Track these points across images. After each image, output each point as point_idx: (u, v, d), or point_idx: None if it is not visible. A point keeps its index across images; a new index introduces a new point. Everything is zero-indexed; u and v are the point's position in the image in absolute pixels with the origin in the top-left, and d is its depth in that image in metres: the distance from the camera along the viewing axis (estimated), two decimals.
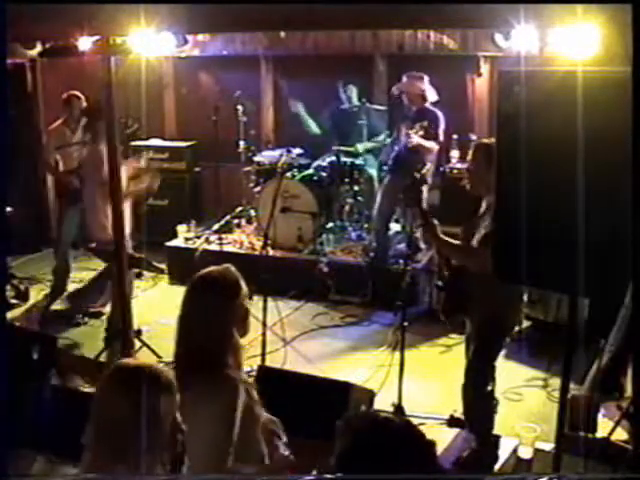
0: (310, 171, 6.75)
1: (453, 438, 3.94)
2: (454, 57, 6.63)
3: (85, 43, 4.49)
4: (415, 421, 4.01)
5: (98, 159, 4.83)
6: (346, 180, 6.59)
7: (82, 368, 4.56)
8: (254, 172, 7.02)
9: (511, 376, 4.62)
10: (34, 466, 2.22)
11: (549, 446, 3.54)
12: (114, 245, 4.38)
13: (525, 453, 3.69)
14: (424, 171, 5.62)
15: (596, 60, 2.96)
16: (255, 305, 5.67)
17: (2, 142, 4.18)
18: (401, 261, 5.64)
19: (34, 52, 6.98)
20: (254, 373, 3.75)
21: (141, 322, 5.31)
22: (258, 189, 6.87)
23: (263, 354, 4.11)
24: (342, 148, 6.65)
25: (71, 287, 6.34)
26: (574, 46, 3.21)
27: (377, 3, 3.28)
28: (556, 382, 4.16)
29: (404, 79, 5.99)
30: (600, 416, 3.68)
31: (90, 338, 5.31)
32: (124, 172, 4.77)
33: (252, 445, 2.48)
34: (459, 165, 6.19)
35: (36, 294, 6.35)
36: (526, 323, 5.15)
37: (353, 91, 6.70)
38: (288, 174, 6.46)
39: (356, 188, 6.63)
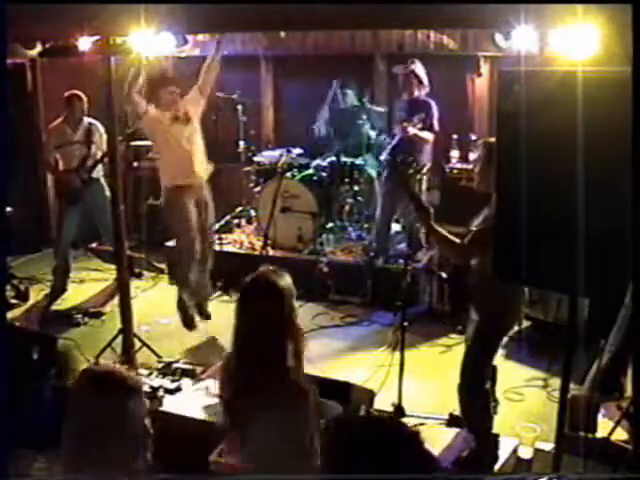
0: (310, 171, 6.75)
1: (453, 438, 3.93)
2: (454, 57, 6.63)
3: (85, 43, 4.50)
4: (415, 421, 4.05)
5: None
6: (346, 180, 6.59)
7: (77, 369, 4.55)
8: (254, 172, 7.02)
9: (511, 376, 4.62)
10: (34, 466, 2.22)
11: (549, 446, 3.54)
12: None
13: (525, 453, 3.69)
14: (424, 170, 5.66)
15: (596, 60, 2.97)
16: None
17: (2, 142, 4.18)
18: (401, 261, 5.63)
19: (34, 52, 6.99)
20: None
21: (141, 322, 5.31)
22: (258, 189, 6.87)
23: None
24: (344, 151, 6.65)
25: (71, 287, 6.36)
26: (574, 46, 3.21)
27: (377, 3, 3.29)
28: (556, 382, 4.16)
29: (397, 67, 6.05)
30: (600, 416, 3.68)
31: (90, 338, 5.31)
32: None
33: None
34: (459, 165, 6.20)
35: (36, 294, 6.35)
36: (526, 323, 5.16)
37: (347, 93, 6.69)
38: (288, 174, 6.46)
39: (356, 188, 6.64)
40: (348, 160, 6.60)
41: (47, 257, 6.86)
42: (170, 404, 4.29)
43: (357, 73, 6.97)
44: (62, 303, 6.14)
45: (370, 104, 6.68)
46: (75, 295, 6.32)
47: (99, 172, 6.25)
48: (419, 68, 5.89)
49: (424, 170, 5.69)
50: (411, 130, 5.75)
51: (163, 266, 6.82)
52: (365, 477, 1.54)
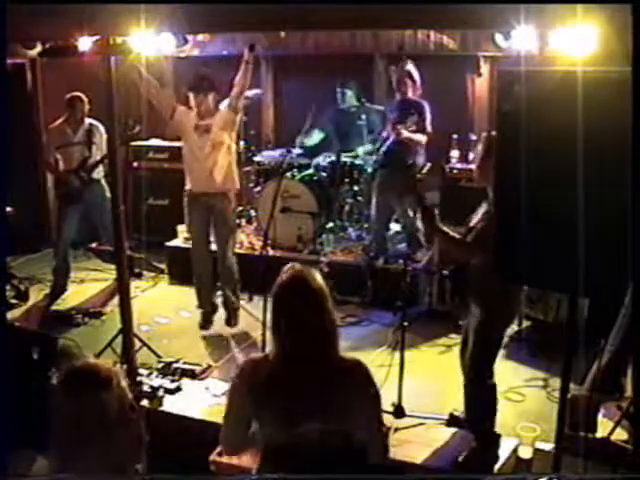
0: (310, 171, 6.75)
1: (453, 438, 3.93)
2: (454, 57, 6.63)
3: (85, 43, 4.50)
4: (415, 421, 4.05)
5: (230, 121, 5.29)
6: (346, 180, 6.59)
7: None
8: (254, 172, 7.02)
9: (511, 376, 4.62)
10: (34, 466, 2.22)
11: (549, 446, 3.54)
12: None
13: (525, 453, 3.69)
14: (424, 170, 5.65)
15: (596, 60, 2.97)
16: (255, 305, 5.71)
17: (2, 142, 4.18)
18: (401, 261, 5.63)
19: (34, 52, 6.98)
20: None
21: (141, 322, 5.32)
22: (258, 189, 6.87)
23: None
24: (344, 151, 6.65)
25: (71, 287, 6.36)
26: (574, 46, 3.21)
27: (377, 3, 3.29)
28: (556, 382, 4.16)
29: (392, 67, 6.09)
30: (600, 416, 3.68)
31: (90, 338, 5.31)
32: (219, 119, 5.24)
33: None
34: (459, 165, 6.20)
35: (36, 294, 6.35)
36: (526, 323, 5.17)
37: (347, 93, 6.69)
38: (288, 174, 6.46)
39: (356, 188, 6.64)
40: (348, 160, 6.61)
41: (47, 257, 6.86)
42: (170, 404, 4.30)
43: (357, 73, 6.97)
44: (62, 303, 6.14)
45: (370, 104, 6.69)
46: (75, 295, 6.32)
47: (99, 173, 6.26)
48: (412, 68, 5.90)
49: (424, 170, 5.69)
50: (405, 133, 5.76)
51: (163, 266, 6.83)
52: (365, 477, 1.54)
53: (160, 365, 4.70)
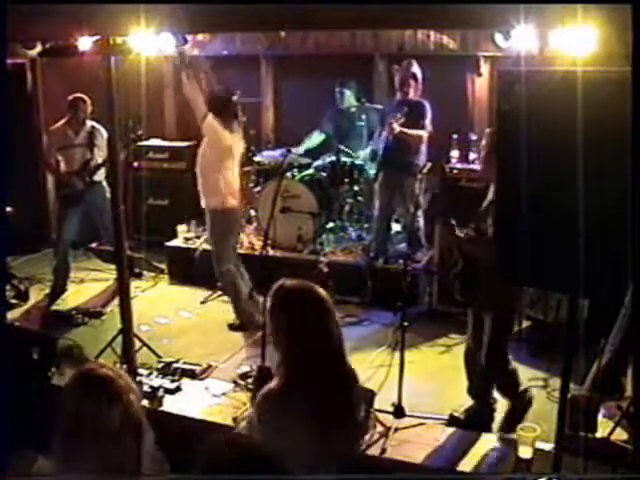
0: (310, 171, 6.75)
1: (451, 437, 3.94)
2: (454, 57, 6.63)
3: (85, 43, 4.50)
4: (415, 421, 4.05)
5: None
6: (346, 180, 6.59)
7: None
8: (254, 172, 7.02)
9: None
10: (34, 466, 2.22)
11: (549, 446, 3.53)
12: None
13: (525, 453, 3.69)
14: (425, 170, 5.65)
15: (595, 59, 2.97)
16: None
17: (2, 142, 4.18)
18: (401, 261, 5.63)
19: (34, 52, 6.98)
20: (254, 373, 3.74)
21: (141, 322, 5.32)
22: (258, 189, 6.86)
23: (263, 354, 4.10)
24: (344, 151, 6.64)
25: (71, 287, 6.36)
26: (574, 45, 3.21)
27: (377, 3, 3.29)
28: (556, 382, 4.15)
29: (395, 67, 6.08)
30: (600, 416, 3.68)
31: (90, 338, 5.30)
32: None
33: None
34: (459, 165, 6.19)
35: (36, 294, 6.35)
36: (526, 323, 5.16)
37: (345, 93, 6.69)
38: (288, 174, 6.46)
39: (356, 188, 6.64)
40: (348, 160, 6.60)
41: (47, 257, 6.86)
42: (170, 404, 4.29)
43: (357, 73, 6.97)
44: (62, 303, 6.14)
45: (370, 104, 6.68)
46: (75, 295, 6.33)
47: (101, 175, 6.26)
48: (416, 69, 5.90)
49: (424, 170, 5.68)
50: (397, 128, 5.74)
51: (163, 266, 6.83)
52: (365, 477, 1.54)
53: (160, 365, 4.69)
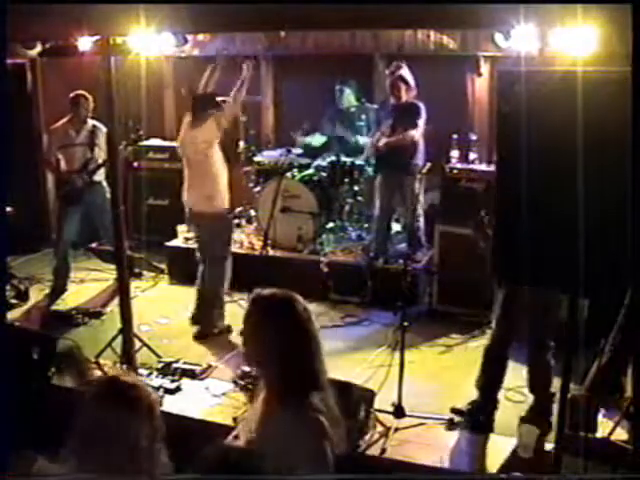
0: (310, 171, 6.75)
1: (450, 437, 3.94)
2: (454, 57, 6.63)
3: (85, 43, 4.51)
4: (415, 421, 4.05)
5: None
6: (346, 180, 6.59)
7: (82, 368, 4.55)
8: (254, 172, 7.02)
9: (511, 376, 4.60)
10: (34, 466, 2.22)
11: (549, 446, 3.54)
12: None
13: (525, 453, 3.69)
14: (425, 170, 5.65)
15: (596, 59, 2.97)
16: None
17: (2, 142, 4.18)
18: (401, 261, 5.63)
19: (34, 52, 6.98)
20: (254, 373, 3.75)
21: (141, 322, 5.32)
22: (258, 189, 6.87)
23: None
24: (344, 151, 6.65)
25: (71, 287, 6.36)
26: (574, 45, 3.21)
27: (377, 3, 3.29)
28: (556, 382, 4.16)
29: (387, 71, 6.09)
30: (600, 416, 3.68)
31: (90, 338, 5.30)
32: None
33: None
34: (459, 165, 6.19)
35: (36, 294, 6.35)
36: None
37: (345, 91, 6.69)
38: (288, 174, 6.46)
39: (356, 188, 6.64)
40: (348, 160, 6.60)
41: (47, 257, 6.86)
42: (170, 404, 4.29)
43: (357, 73, 6.97)
44: (62, 303, 6.14)
45: (370, 103, 6.68)
46: (75, 295, 6.32)
47: (101, 175, 6.26)
48: (406, 72, 5.89)
49: (424, 170, 5.69)
50: (381, 143, 5.84)
51: (163, 266, 6.83)
52: (365, 477, 1.54)
53: (160, 365, 4.69)
